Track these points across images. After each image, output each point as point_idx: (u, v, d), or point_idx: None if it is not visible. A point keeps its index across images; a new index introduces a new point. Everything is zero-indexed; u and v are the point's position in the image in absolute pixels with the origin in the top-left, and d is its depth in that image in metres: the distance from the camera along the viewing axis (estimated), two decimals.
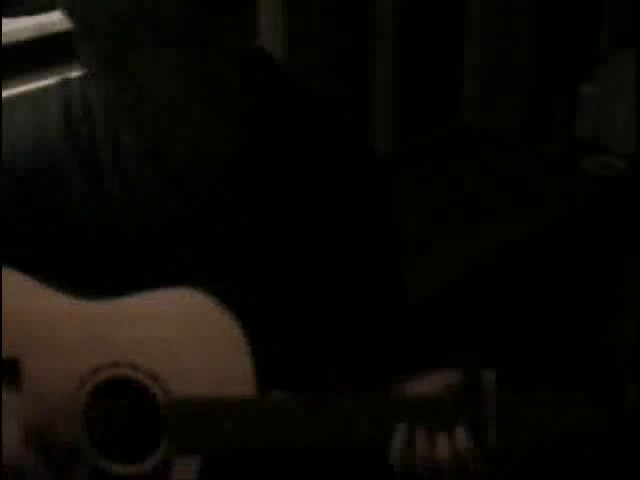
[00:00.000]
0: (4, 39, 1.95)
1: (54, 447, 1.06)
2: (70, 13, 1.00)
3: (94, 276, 1.11)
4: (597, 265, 3.13)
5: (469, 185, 3.63)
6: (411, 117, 3.74)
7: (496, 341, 2.71)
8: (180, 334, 1.06)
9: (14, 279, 1.09)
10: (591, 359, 2.66)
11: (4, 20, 1.99)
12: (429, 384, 1.07)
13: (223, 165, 1.11)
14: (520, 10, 3.79)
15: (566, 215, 3.42)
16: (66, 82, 1.16)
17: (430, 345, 1.30)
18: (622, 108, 3.75)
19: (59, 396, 1.07)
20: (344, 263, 1.17)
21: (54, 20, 2.11)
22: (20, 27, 2.05)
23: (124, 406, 1.09)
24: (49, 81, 1.19)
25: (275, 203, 1.13)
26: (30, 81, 1.99)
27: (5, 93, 1.85)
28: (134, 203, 1.11)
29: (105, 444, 1.08)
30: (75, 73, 1.16)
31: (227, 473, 1.10)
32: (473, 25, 3.88)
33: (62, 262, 1.12)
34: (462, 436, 1.01)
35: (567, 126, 3.88)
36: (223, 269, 1.12)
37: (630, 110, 3.67)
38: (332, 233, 1.15)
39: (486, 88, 3.95)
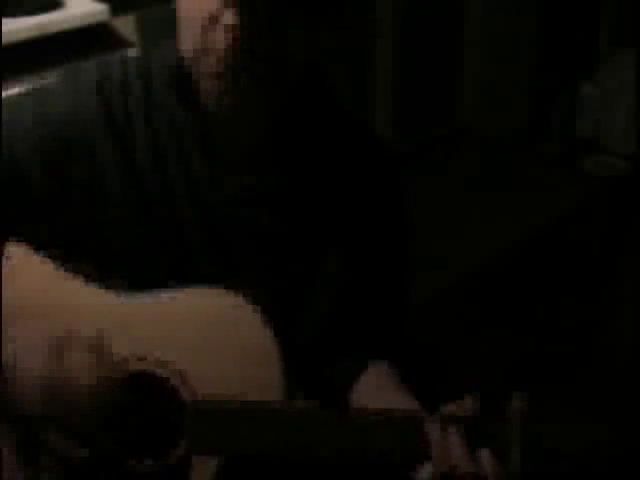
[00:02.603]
0: (4, 39, 1.94)
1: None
2: None
3: (120, 258, 1.11)
4: (597, 265, 3.13)
5: (469, 185, 3.63)
6: (411, 117, 3.74)
7: (496, 341, 2.71)
8: (212, 335, 1.05)
9: (36, 264, 1.09)
10: (591, 359, 2.66)
11: (4, 20, 1.99)
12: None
13: (247, 149, 1.13)
14: (520, 10, 3.79)
15: (566, 215, 3.42)
16: (105, 61, 1.17)
17: (430, 345, 1.30)
18: (622, 108, 3.75)
19: (83, 385, 1.05)
20: (356, 252, 1.18)
21: (54, 20, 2.11)
22: (20, 27, 2.05)
23: (147, 401, 1.09)
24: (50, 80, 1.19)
25: (292, 191, 1.14)
26: (30, 81, 1.99)
27: (5, 93, 1.85)
28: (165, 185, 1.11)
29: (125, 436, 1.08)
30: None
31: (244, 474, 1.09)
32: (473, 25, 3.88)
33: (91, 246, 1.12)
34: (486, 457, 1.00)
35: (567, 126, 3.88)
36: (243, 257, 1.13)
37: (630, 110, 3.67)
38: (347, 221, 1.17)
39: (486, 88, 3.96)
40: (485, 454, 1.00)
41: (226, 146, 1.12)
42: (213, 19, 1.01)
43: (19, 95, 1.15)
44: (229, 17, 0.99)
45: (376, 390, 1.17)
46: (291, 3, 1.01)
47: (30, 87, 1.16)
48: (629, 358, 2.62)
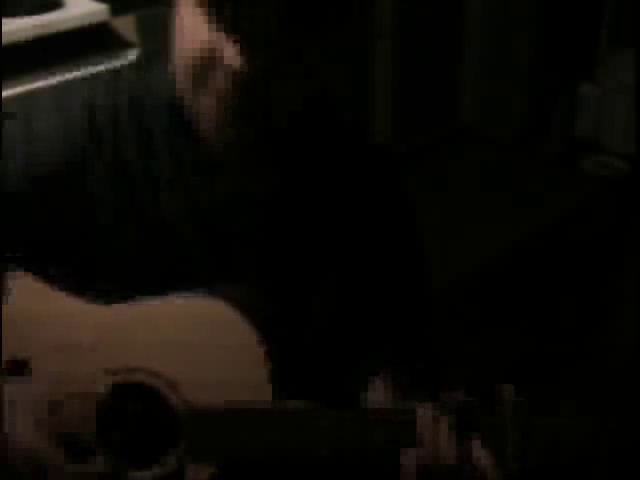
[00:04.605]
0: (4, 39, 1.94)
1: (69, 437, 1.05)
2: None
3: (112, 279, 1.12)
4: (597, 265, 3.13)
5: (469, 185, 3.63)
6: (411, 117, 3.74)
7: (496, 341, 2.71)
8: (197, 341, 1.05)
9: (29, 282, 1.09)
10: (591, 359, 2.66)
11: (4, 20, 1.99)
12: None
13: (243, 151, 1.12)
14: (520, 10, 3.79)
15: (566, 215, 3.42)
16: (91, 79, 1.16)
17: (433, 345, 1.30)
18: (622, 108, 3.75)
19: (71, 398, 1.06)
20: (362, 260, 1.18)
21: (54, 20, 2.11)
22: (20, 27, 2.05)
23: (137, 411, 1.09)
24: (49, 81, 1.19)
25: (293, 199, 1.14)
26: (30, 81, 1.99)
27: (5, 93, 1.85)
28: (157, 203, 1.11)
29: (117, 447, 1.08)
30: (102, 67, 1.16)
31: (241, 478, 1.10)
32: (473, 25, 3.88)
33: (82, 263, 1.12)
34: (478, 447, 1.00)
35: (567, 126, 3.88)
36: (240, 270, 1.13)
37: (630, 110, 3.67)
38: (350, 230, 1.17)
39: (486, 88, 3.96)
40: (477, 445, 1.00)
41: (220, 150, 1.12)
42: (212, 57, 0.97)
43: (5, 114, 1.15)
44: (230, 56, 0.96)
45: (386, 396, 1.17)
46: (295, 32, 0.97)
47: (18, 104, 1.15)
48: (629, 358, 2.62)
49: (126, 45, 2.27)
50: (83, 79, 1.17)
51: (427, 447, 1.01)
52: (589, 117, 3.84)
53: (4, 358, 1.08)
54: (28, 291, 1.09)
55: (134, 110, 1.11)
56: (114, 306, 1.08)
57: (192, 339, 1.06)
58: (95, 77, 1.16)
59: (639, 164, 3.67)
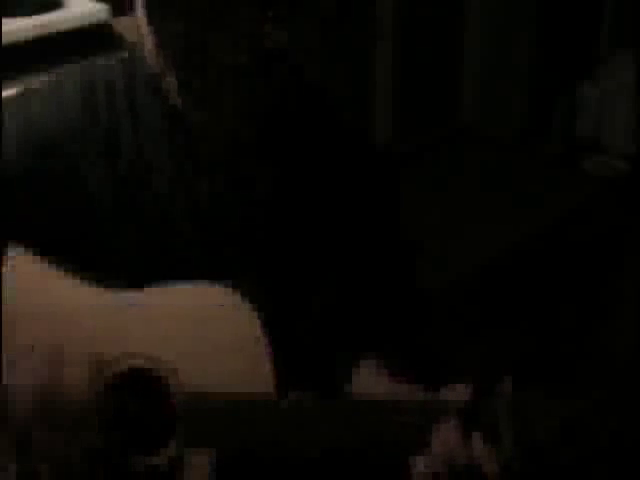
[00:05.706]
0: (4, 39, 1.95)
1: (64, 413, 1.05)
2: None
3: (113, 263, 1.11)
4: (597, 265, 3.13)
5: (469, 185, 3.63)
6: (411, 117, 3.74)
7: (496, 341, 2.71)
8: (201, 330, 1.05)
9: (35, 265, 1.09)
10: (591, 359, 2.66)
11: (4, 20, 1.99)
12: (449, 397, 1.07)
13: (241, 150, 1.12)
14: (520, 10, 3.79)
15: (566, 215, 3.42)
16: (88, 67, 1.17)
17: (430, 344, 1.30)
18: (622, 108, 3.75)
19: (74, 383, 1.06)
20: (361, 259, 1.18)
21: (54, 20, 2.11)
22: (20, 27, 2.05)
23: (140, 397, 1.09)
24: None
25: (292, 199, 1.14)
26: (30, 81, 1.99)
27: (5, 93, 1.85)
28: (152, 187, 1.12)
29: (119, 434, 1.08)
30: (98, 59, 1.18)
31: (239, 471, 1.10)
32: (473, 25, 3.88)
33: (81, 249, 1.12)
34: (478, 442, 1.00)
35: (567, 126, 3.88)
36: (240, 270, 1.13)
37: (630, 110, 3.67)
38: (349, 229, 1.17)
39: (486, 88, 3.96)
40: (477, 441, 1.00)
41: (209, 147, 1.12)
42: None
43: (6, 99, 1.16)
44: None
45: (375, 378, 1.17)
46: None
47: (17, 92, 1.16)
48: (629, 358, 2.62)
49: (126, 45, 2.27)
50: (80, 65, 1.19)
51: (439, 452, 1.00)
52: (589, 117, 3.84)
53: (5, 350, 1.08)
54: (35, 275, 1.09)
55: (128, 93, 1.13)
56: (120, 293, 1.08)
57: (194, 327, 1.06)
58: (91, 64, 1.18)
59: (639, 164, 3.67)
